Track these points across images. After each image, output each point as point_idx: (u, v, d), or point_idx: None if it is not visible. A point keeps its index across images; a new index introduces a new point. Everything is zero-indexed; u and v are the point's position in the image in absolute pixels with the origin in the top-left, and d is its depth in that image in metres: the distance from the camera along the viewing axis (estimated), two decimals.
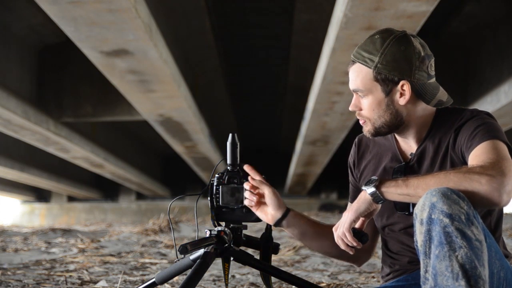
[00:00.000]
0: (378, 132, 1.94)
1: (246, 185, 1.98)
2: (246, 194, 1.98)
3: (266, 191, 1.96)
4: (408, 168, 1.96)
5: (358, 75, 1.91)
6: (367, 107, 1.93)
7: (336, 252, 2.03)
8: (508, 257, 1.93)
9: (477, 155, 1.78)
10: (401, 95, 1.90)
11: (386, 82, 1.89)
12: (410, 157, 1.98)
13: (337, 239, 1.83)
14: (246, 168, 1.99)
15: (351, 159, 2.14)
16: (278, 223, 1.97)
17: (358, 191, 2.11)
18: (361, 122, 1.97)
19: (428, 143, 1.95)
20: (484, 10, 8.49)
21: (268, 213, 1.97)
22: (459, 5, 8.64)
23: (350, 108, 1.97)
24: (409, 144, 1.99)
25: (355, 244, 1.81)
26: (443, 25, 9.25)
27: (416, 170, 1.95)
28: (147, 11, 5.72)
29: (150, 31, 5.91)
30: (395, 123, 1.93)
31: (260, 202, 1.98)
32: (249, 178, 1.97)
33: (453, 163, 1.89)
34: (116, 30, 5.70)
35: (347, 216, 1.81)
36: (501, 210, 1.95)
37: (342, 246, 1.83)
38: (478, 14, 8.65)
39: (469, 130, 1.86)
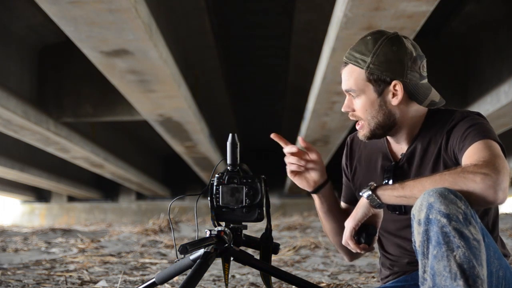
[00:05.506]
0: (373, 134, 1.94)
1: (291, 149, 1.93)
2: (292, 159, 1.95)
3: (317, 155, 1.94)
4: (398, 168, 1.96)
5: (351, 75, 1.91)
6: (360, 108, 1.92)
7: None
8: (507, 256, 1.93)
9: (470, 155, 1.78)
10: (394, 95, 1.90)
11: (378, 82, 1.89)
12: (400, 157, 1.98)
13: (344, 243, 1.84)
14: (274, 136, 1.95)
15: (344, 159, 2.14)
16: (318, 190, 1.96)
17: (350, 189, 2.12)
18: (357, 127, 1.96)
19: (418, 143, 1.95)
20: (484, 10, 8.49)
21: (310, 179, 1.95)
22: (459, 5, 8.64)
23: (343, 109, 1.96)
24: (400, 146, 1.99)
25: (358, 250, 1.82)
26: (443, 25, 9.25)
27: (406, 170, 1.95)
28: (147, 11, 5.72)
29: (150, 31, 5.91)
30: (388, 124, 1.92)
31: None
32: (299, 140, 1.90)
33: (446, 165, 1.89)
34: (116, 30, 5.70)
35: (347, 224, 1.82)
36: (497, 209, 1.95)
37: (352, 250, 1.85)
38: (478, 14, 8.65)
39: (461, 131, 1.85)
